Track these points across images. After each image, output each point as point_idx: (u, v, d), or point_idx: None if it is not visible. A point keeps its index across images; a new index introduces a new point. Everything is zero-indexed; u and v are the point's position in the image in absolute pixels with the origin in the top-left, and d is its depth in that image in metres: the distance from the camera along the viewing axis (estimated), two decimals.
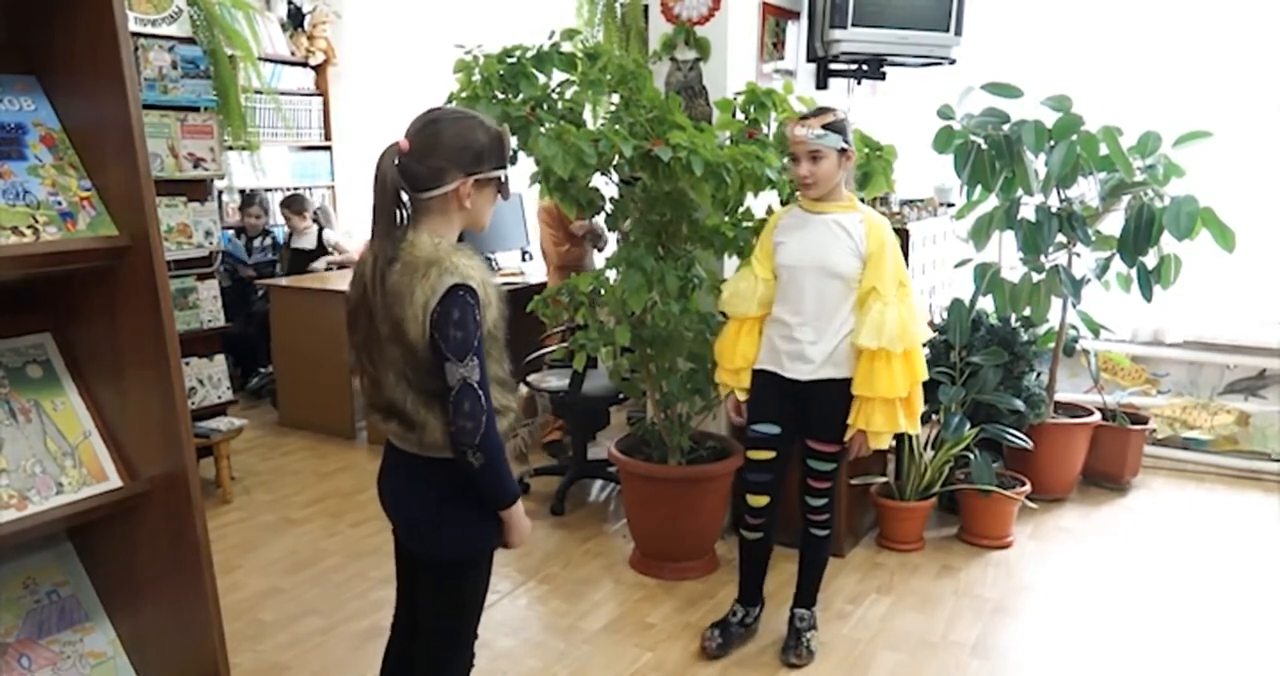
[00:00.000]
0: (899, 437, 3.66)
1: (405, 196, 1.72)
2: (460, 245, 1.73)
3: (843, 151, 2.49)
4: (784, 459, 2.71)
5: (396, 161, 1.70)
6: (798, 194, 2.69)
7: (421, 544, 1.85)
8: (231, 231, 5.81)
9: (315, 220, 5.81)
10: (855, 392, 2.56)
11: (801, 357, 2.59)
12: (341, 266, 5.56)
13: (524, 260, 5.41)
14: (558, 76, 3.11)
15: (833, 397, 2.60)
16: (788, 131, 2.55)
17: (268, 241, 5.81)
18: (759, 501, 2.75)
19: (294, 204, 5.74)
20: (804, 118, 2.52)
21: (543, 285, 4.67)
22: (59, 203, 1.67)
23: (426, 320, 1.64)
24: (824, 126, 2.46)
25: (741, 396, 2.78)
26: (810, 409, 2.63)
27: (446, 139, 1.70)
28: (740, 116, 3.22)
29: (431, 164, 1.69)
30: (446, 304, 1.63)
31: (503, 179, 1.78)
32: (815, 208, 2.58)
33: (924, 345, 3.92)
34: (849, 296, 2.56)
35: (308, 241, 5.70)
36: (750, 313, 2.69)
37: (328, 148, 6.53)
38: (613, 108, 3.20)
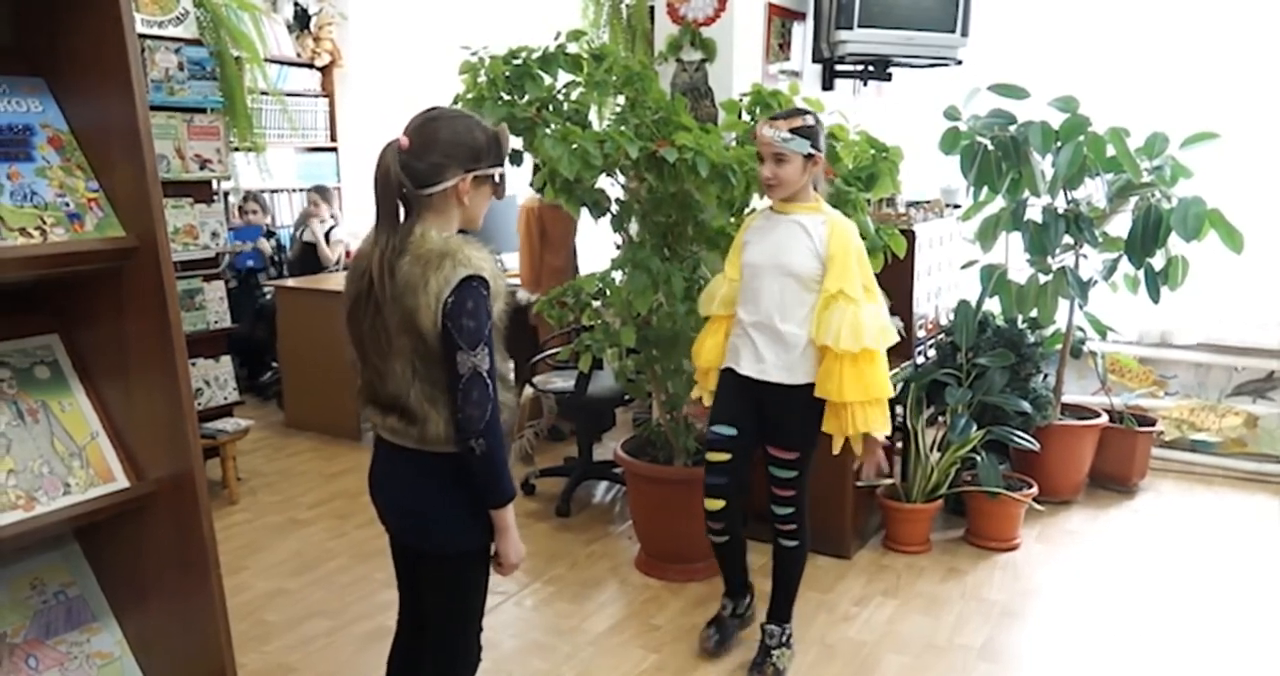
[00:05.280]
0: (905, 440, 3.67)
1: (406, 193, 1.76)
2: (469, 238, 1.77)
3: (810, 156, 2.47)
4: (741, 461, 2.67)
5: (398, 159, 1.74)
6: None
7: (421, 537, 1.87)
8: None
9: (333, 218, 5.82)
10: (846, 399, 2.45)
11: (755, 356, 2.58)
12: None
13: None
14: (563, 78, 3.11)
15: (791, 404, 2.56)
16: (756, 131, 2.54)
17: (272, 243, 5.82)
18: (714, 505, 2.69)
19: (324, 192, 5.78)
20: (774, 118, 2.50)
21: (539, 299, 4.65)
22: (66, 204, 1.68)
23: (439, 310, 1.68)
24: (792, 130, 2.44)
25: (709, 400, 2.78)
26: (768, 413, 2.59)
27: (446, 136, 1.75)
28: (746, 118, 3.22)
29: (432, 160, 1.74)
30: (460, 294, 1.68)
31: (498, 177, 1.83)
32: (782, 209, 2.58)
33: (930, 345, 3.98)
34: (805, 299, 2.51)
35: (317, 235, 5.70)
36: (712, 310, 2.72)
37: (334, 149, 6.54)
38: (618, 109, 3.20)
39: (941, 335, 4.02)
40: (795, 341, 2.53)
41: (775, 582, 2.77)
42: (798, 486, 2.63)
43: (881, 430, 2.52)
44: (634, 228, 3.29)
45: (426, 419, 1.75)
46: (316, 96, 6.42)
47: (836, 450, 2.57)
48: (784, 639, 2.75)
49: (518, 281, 4.83)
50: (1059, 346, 4.01)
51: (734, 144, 3.17)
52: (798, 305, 2.52)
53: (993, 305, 3.87)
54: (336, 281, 5.12)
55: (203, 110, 3.95)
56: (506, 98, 3.00)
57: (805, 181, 2.51)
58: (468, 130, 1.76)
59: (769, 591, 2.80)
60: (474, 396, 1.69)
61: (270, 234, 5.82)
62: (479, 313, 1.69)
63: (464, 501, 1.80)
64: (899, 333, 3.49)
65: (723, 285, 2.70)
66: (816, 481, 3.36)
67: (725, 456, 2.67)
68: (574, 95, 3.11)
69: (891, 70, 4.30)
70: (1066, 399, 4.14)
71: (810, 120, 2.49)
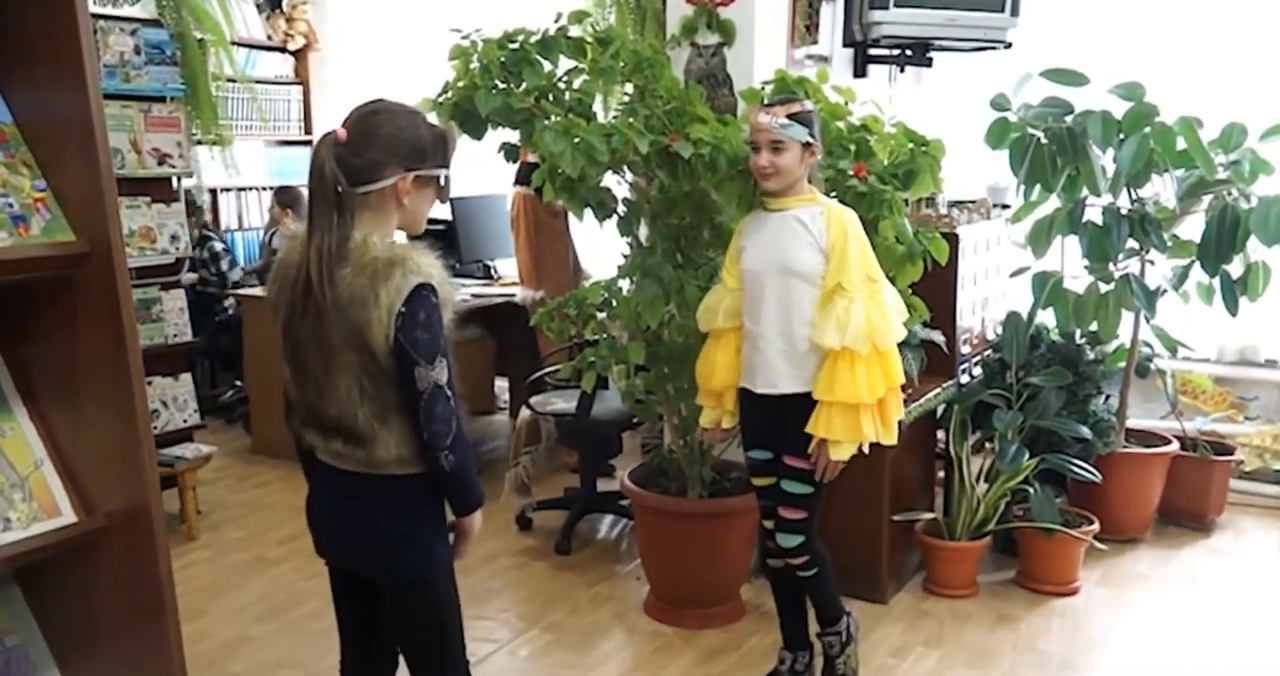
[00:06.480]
0: (948, 469, 3.66)
1: (340, 191, 1.79)
2: (414, 243, 1.83)
3: (807, 145, 2.56)
4: None
5: (334, 153, 1.78)
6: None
7: (384, 571, 1.94)
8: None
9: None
10: (815, 396, 2.55)
11: (768, 370, 2.63)
12: None
13: None
14: (565, 64, 3.13)
15: (809, 411, 2.59)
16: (750, 117, 2.62)
17: (205, 253, 5.50)
18: (769, 524, 2.78)
19: (285, 197, 5.47)
20: (768, 104, 2.60)
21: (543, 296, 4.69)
22: (10, 205, 1.69)
23: (391, 324, 1.74)
24: (790, 116, 2.53)
25: (727, 422, 2.82)
26: (787, 425, 2.64)
27: (387, 131, 1.81)
28: None
29: (370, 156, 1.79)
30: (412, 305, 1.75)
31: (443, 180, 1.89)
32: (774, 205, 2.65)
33: (976, 362, 3.97)
34: (815, 297, 2.57)
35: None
36: (716, 324, 2.78)
37: (308, 142, 6.56)
38: (626, 99, 3.21)
39: (988, 351, 4.01)
40: (807, 346, 2.58)
41: (811, 602, 2.82)
42: (809, 506, 2.66)
43: (839, 438, 2.53)
44: (643, 231, 3.30)
45: (375, 440, 1.81)
46: (289, 84, 6.47)
47: (843, 455, 2.57)
48: (846, 638, 2.80)
49: (514, 292, 4.86)
50: (1122, 364, 3.99)
51: None
52: (807, 307, 2.58)
53: (1046, 317, 3.87)
54: None
55: (162, 99, 3.98)
56: (502, 86, 3.01)
57: (802, 172, 2.59)
58: (411, 126, 1.83)
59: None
60: (437, 411, 1.77)
61: (204, 239, 5.49)
62: (432, 323, 1.76)
63: (421, 525, 1.90)
64: (942, 347, 3.50)
65: (724, 296, 2.76)
66: (849, 518, 3.38)
67: (768, 480, 2.74)
68: (577, 83, 3.12)
69: (932, 54, 4.31)
70: (1131, 424, 4.12)
71: (809, 106, 2.60)
